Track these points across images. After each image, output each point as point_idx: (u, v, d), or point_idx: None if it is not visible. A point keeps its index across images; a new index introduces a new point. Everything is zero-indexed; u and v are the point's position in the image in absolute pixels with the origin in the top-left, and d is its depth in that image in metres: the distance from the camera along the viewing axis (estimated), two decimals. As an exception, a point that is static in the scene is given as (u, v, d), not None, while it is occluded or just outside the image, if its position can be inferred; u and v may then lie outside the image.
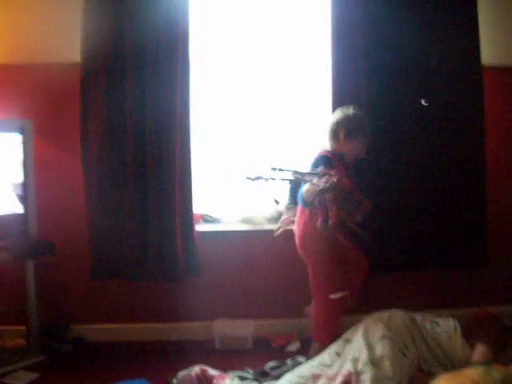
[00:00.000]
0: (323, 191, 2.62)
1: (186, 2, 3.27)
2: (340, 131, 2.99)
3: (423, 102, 3.42)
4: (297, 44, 3.62)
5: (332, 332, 2.98)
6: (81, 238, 3.35)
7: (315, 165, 2.87)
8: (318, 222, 2.81)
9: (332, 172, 2.64)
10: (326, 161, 2.88)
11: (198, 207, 3.50)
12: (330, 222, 2.73)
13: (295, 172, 2.72)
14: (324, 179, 2.59)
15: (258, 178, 2.73)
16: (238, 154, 3.66)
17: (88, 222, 3.32)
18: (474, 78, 3.48)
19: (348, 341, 2.72)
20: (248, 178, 2.75)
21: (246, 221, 3.61)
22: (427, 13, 3.41)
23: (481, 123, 3.50)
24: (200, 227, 3.51)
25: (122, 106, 3.25)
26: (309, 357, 2.97)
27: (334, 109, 3.26)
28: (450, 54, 3.44)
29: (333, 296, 2.97)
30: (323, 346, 2.89)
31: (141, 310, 3.51)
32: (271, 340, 3.43)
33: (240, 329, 3.40)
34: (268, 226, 3.54)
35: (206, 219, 3.64)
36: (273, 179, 2.75)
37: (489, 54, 3.49)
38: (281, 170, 2.73)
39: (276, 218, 3.54)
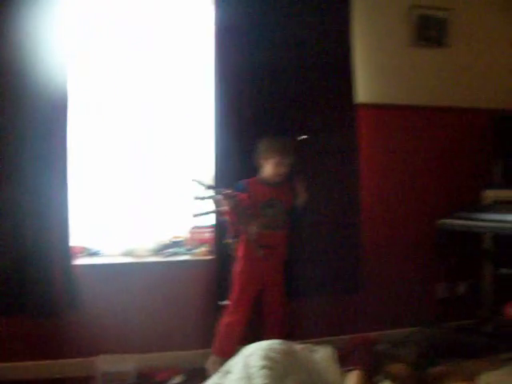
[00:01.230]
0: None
1: (64, 73, 3.23)
2: (257, 158, 3.32)
3: (302, 137, 3.56)
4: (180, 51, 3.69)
5: (226, 346, 3.14)
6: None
7: (235, 188, 3.20)
8: (227, 236, 3.30)
9: (233, 192, 3.10)
10: (242, 186, 3.24)
11: (76, 240, 3.41)
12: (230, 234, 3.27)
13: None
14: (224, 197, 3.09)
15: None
16: (119, 185, 3.62)
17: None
18: (348, 115, 3.70)
19: (228, 372, 2.73)
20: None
21: (127, 253, 3.57)
22: (306, 52, 3.60)
23: (355, 159, 3.72)
24: (79, 260, 3.42)
25: None
26: (207, 370, 3.10)
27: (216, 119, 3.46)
28: (326, 91, 3.65)
29: (219, 302, 3.33)
30: (219, 359, 2.99)
31: (19, 348, 3.32)
32: (155, 374, 3.36)
33: (123, 364, 3.31)
34: (150, 258, 3.54)
35: (86, 252, 3.56)
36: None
37: (361, 92, 3.75)
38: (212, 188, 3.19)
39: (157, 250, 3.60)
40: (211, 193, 3.16)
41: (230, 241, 3.32)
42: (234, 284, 3.29)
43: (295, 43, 3.57)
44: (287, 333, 3.26)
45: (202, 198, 3.15)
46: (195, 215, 3.25)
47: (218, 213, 3.28)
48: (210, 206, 3.25)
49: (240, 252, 3.29)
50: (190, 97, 3.72)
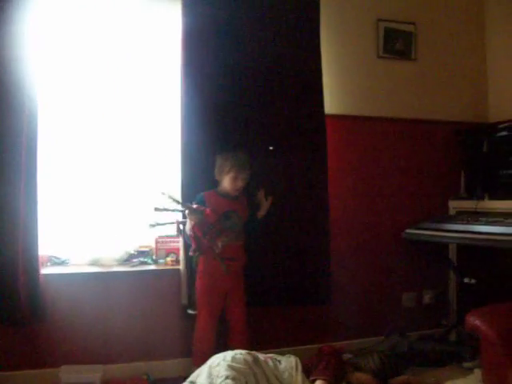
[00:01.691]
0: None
1: (34, 79, 3.20)
2: (215, 173, 3.36)
3: (270, 148, 3.61)
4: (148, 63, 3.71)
5: (200, 356, 3.13)
6: None
7: (195, 201, 3.27)
8: (190, 250, 3.33)
9: (199, 207, 3.17)
10: (200, 199, 3.28)
11: (43, 248, 3.37)
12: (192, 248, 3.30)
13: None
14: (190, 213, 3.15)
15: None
16: (86, 195, 3.60)
17: None
18: (318, 125, 3.73)
19: (193, 382, 2.74)
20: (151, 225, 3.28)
21: (94, 262, 3.55)
22: (276, 62, 3.63)
23: (324, 170, 3.74)
24: (46, 269, 3.39)
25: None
26: None
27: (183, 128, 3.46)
28: (296, 101, 3.68)
29: (188, 311, 3.43)
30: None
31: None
32: (120, 384, 3.36)
33: (87, 374, 3.28)
34: (116, 268, 3.53)
35: (54, 261, 3.53)
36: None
37: (328, 104, 3.79)
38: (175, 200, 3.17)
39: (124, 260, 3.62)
40: (175, 206, 3.18)
41: (192, 254, 3.34)
42: (199, 298, 3.33)
43: (264, 52, 3.60)
44: (249, 340, 3.30)
45: (162, 210, 3.18)
46: (151, 225, 3.27)
47: (177, 224, 3.39)
48: (168, 217, 3.33)
49: (201, 266, 3.32)
50: (156, 105, 3.72)
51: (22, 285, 3.17)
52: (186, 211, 3.16)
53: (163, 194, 3.12)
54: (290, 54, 3.65)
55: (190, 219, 3.17)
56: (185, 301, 3.48)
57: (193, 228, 3.20)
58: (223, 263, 3.22)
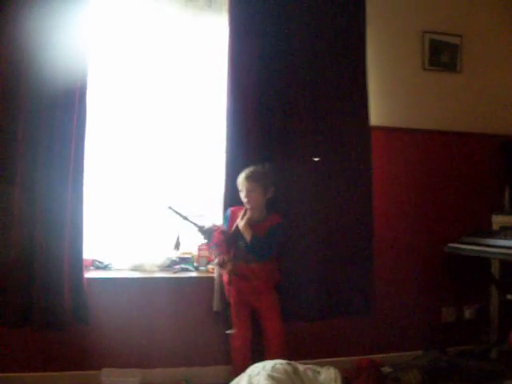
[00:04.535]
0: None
1: (84, 55, 3.26)
2: None
3: (315, 159, 3.63)
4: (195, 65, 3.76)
5: (235, 363, 3.28)
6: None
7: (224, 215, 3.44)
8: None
9: (215, 227, 3.37)
10: (227, 214, 3.40)
11: (87, 252, 3.44)
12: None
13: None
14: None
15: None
16: (129, 200, 3.66)
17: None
18: (363, 137, 3.73)
19: (233, 391, 2.76)
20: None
21: (136, 268, 3.59)
22: (325, 77, 3.66)
23: (369, 182, 3.74)
24: (89, 274, 3.45)
25: (14, 153, 3.17)
26: None
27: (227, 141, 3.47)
28: (341, 113, 3.69)
29: (227, 331, 3.35)
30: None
31: (24, 359, 3.34)
32: (159, 389, 3.40)
33: (127, 378, 3.33)
34: (158, 274, 3.57)
35: (97, 265, 3.60)
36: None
37: (373, 115, 3.79)
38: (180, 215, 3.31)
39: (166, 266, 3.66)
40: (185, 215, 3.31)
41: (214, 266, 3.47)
42: (230, 308, 3.39)
43: (309, 62, 3.62)
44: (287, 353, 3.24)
45: (175, 212, 3.30)
46: (170, 208, 3.32)
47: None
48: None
49: (226, 277, 3.37)
50: (202, 109, 3.76)
51: (67, 288, 3.24)
52: (196, 229, 3.32)
53: (170, 209, 3.26)
54: (335, 64, 3.67)
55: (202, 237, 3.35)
56: (216, 308, 3.49)
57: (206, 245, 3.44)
58: (231, 273, 3.27)
